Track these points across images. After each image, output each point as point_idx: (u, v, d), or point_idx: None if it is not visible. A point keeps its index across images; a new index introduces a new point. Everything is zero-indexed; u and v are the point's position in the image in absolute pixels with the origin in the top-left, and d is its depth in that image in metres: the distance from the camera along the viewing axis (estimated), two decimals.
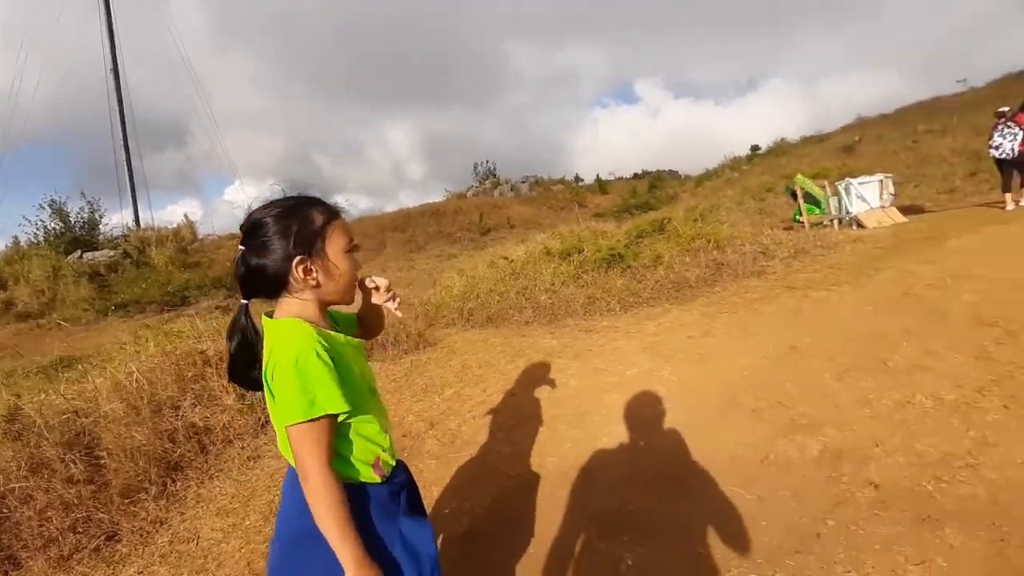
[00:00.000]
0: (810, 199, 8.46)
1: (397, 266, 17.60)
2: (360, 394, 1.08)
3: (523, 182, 34.99)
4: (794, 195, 8.64)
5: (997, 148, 7.02)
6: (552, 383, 3.66)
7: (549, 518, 2.23)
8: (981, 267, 4.43)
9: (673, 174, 37.78)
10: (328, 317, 1.18)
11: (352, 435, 1.06)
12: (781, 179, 12.48)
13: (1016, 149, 6.87)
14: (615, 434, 2.80)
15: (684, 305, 5.14)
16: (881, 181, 8.40)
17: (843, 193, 8.18)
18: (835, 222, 8.15)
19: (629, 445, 2.68)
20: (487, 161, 36.70)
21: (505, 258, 9.54)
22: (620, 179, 39.58)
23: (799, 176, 8.92)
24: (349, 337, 1.14)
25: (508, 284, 7.57)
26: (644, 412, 2.95)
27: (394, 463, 1.17)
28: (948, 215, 7.87)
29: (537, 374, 3.93)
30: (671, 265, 6.48)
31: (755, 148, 25.68)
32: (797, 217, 8.49)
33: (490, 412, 3.44)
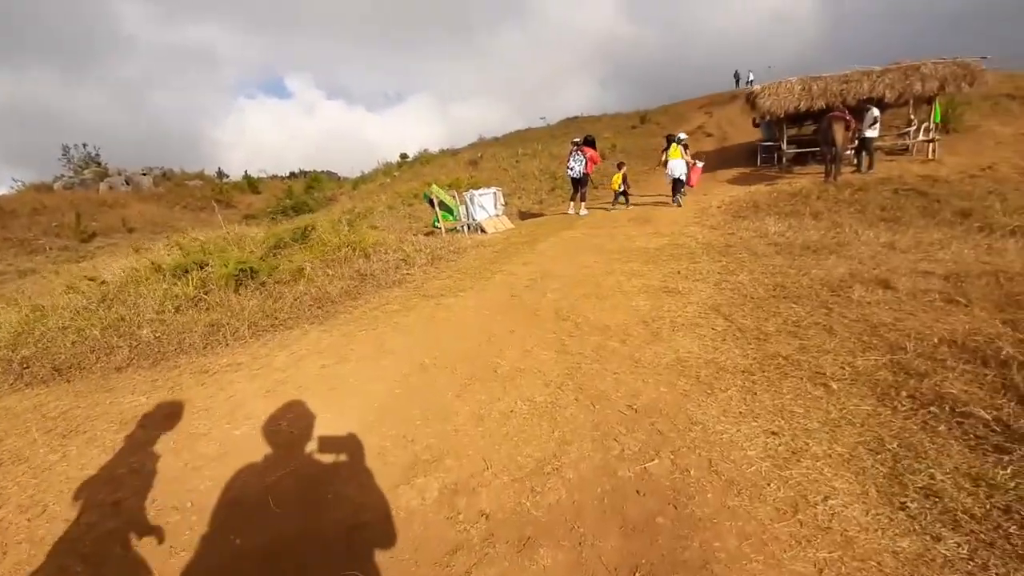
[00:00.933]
0: (444, 207, 9.28)
1: None
2: None
3: (145, 174, 28.25)
4: (432, 203, 9.31)
5: (572, 169, 9.31)
6: (115, 479, 2.52)
7: None
8: (559, 266, 5.56)
9: (332, 175, 36.92)
10: None
11: None
12: (425, 186, 13.47)
13: (583, 171, 9.28)
14: (201, 538, 2.03)
15: (324, 324, 4.63)
16: (495, 193, 9.97)
17: (469, 202, 9.30)
18: (466, 228, 9.18)
19: (219, 552, 1.96)
20: (85, 144, 27.94)
21: (93, 279, 7.02)
22: (275, 177, 36.18)
23: (434, 186, 9.69)
24: None
25: (94, 316, 5.48)
26: (246, 492, 2.27)
27: None
28: (538, 222, 9.98)
29: (94, 463, 2.68)
30: (312, 279, 5.87)
31: (404, 156, 27.54)
32: (435, 223, 9.19)
33: None
